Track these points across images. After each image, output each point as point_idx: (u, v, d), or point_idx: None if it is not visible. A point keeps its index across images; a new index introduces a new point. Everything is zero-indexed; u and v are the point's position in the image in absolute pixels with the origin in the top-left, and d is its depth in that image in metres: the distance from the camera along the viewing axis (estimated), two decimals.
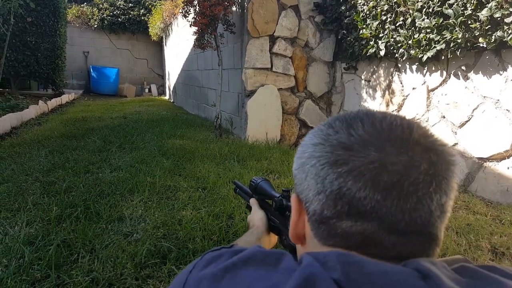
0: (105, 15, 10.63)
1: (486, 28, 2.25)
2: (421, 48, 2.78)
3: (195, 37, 4.05)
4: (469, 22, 2.36)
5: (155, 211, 2.07)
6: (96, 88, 10.50)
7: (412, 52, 2.89)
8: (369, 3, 3.33)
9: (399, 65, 3.28)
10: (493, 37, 2.23)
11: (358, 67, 3.84)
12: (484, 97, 2.50)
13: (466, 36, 2.39)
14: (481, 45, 2.34)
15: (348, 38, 3.73)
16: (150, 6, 10.59)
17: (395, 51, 3.13)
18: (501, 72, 2.37)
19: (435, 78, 2.89)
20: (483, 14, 2.23)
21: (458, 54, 2.50)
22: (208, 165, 2.97)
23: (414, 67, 3.11)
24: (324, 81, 4.23)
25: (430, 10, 2.65)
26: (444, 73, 2.80)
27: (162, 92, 11.61)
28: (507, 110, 2.35)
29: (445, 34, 2.53)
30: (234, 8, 4.03)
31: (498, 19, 2.19)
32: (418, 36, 2.79)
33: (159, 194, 2.33)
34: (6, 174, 2.60)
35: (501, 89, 2.37)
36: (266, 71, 3.94)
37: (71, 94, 8.33)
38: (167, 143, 3.77)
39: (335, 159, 0.35)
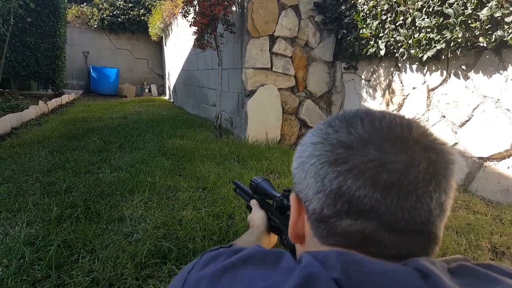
0: (105, 15, 10.63)
1: (486, 27, 2.25)
2: (421, 47, 2.78)
3: (195, 37, 4.05)
4: (469, 22, 2.36)
5: (156, 211, 2.07)
6: (96, 88, 10.50)
7: (412, 51, 2.89)
8: (369, 3, 3.33)
9: (399, 65, 3.28)
10: (493, 36, 2.23)
11: (358, 67, 3.83)
12: (484, 96, 2.50)
13: (466, 35, 2.39)
14: (481, 44, 2.34)
15: (348, 38, 3.73)
16: (150, 6, 10.58)
17: (395, 50, 3.13)
18: (501, 72, 2.37)
19: (435, 77, 2.89)
20: (483, 13, 2.23)
21: (458, 53, 2.49)
22: (208, 165, 2.97)
23: (414, 66, 3.11)
24: (324, 81, 4.23)
25: (430, 9, 2.65)
26: (444, 72, 2.80)
27: (162, 92, 11.61)
28: (507, 109, 2.35)
29: (445, 34, 2.53)
30: (234, 8, 4.03)
31: (499, 18, 2.19)
32: (418, 35, 2.79)
33: (159, 194, 2.33)
34: (6, 175, 2.60)
35: (501, 89, 2.37)
36: (266, 71, 3.94)
37: (71, 95, 8.33)
38: (167, 143, 3.77)
39: (335, 158, 0.35)
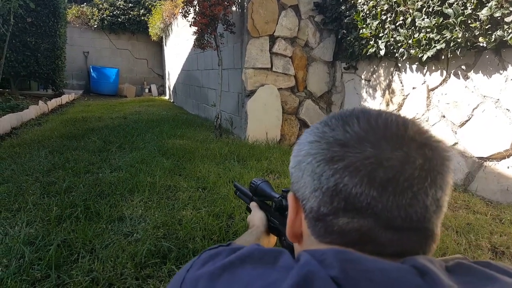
0: (105, 15, 10.63)
1: (486, 27, 2.25)
2: (421, 47, 2.78)
3: (195, 37, 4.05)
4: (469, 22, 2.36)
5: (155, 211, 2.07)
6: (96, 88, 10.50)
7: (412, 51, 2.89)
8: (369, 3, 3.33)
9: (399, 65, 3.28)
10: (493, 36, 2.23)
11: (358, 67, 3.83)
12: (484, 96, 2.50)
13: (466, 35, 2.39)
14: (481, 44, 2.34)
15: (348, 38, 3.73)
16: (150, 6, 10.58)
17: (395, 50, 3.13)
18: (501, 72, 2.37)
19: (435, 77, 2.89)
20: (483, 13, 2.23)
21: (458, 53, 2.49)
22: (208, 165, 2.97)
23: (414, 66, 3.11)
24: (324, 81, 4.23)
25: (430, 9, 2.65)
26: (444, 72, 2.80)
27: (162, 92, 11.61)
28: (507, 109, 2.35)
29: (445, 34, 2.53)
30: (234, 8, 4.03)
31: (498, 18, 2.19)
32: (418, 35, 2.79)
33: (159, 194, 2.33)
34: (6, 175, 2.60)
35: (501, 89, 2.37)
36: (266, 71, 3.94)
37: (71, 95, 8.33)
38: (167, 143, 3.77)
39: (331, 156, 0.35)
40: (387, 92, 3.45)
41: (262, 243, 0.72)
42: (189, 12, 4.04)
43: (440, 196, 0.35)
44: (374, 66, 3.59)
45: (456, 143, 2.73)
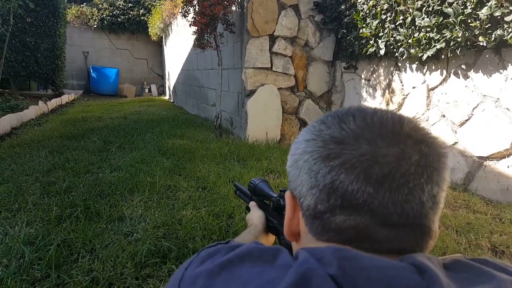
0: (104, 15, 10.63)
1: (486, 26, 2.25)
2: (421, 47, 2.78)
3: (194, 36, 4.05)
4: (469, 21, 2.36)
5: (155, 210, 2.07)
6: (96, 88, 10.50)
7: (412, 51, 2.89)
8: (369, 2, 3.33)
9: (399, 64, 3.28)
10: (493, 35, 2.23)
11: (358, 66, 3.83)
12: (484, 96, 2.49)
13: (466, 35, 2.38)
14: (481, 44, 2.34)
15: (348, 37, 3.73)
16: (149, 6, 10.58)
17: (395, 50, 3.13)
18: (501, 71, 2.37)
19: (435, 77, 2.89)
20: (483, 12, 2.23)
21: (458, 53, 2.49)
22: (208, 165, 2.97)
23: (414, 66, 3.11)
24: (324, 81, 4.23)
25: (430, 9, 2.65)
26: (444, 72, 2.80)
27: (162, 92, 11.61)
28: (507, 109, 2.35)
29: (445, 33, 2.53)
30: (233, 8, 4.03)
31: (498, 17, 2.19)
32: (418, 35, 2.79)
33: (159, 194, 2.33)
34: (6, 175, 2.60)
35: (501, 88, 2.37)
36: (266, 71, 3.94)
37: (71, 95, 8.33)
38: (167, 143, 3.77)
39: (328, 153, 0.36)
40: (387, 91, 3.45)
41: (260, 241, 0.72)
42: (189, 12, 4.04)
43: (436, 192, 0.35)
44: (374, 66, 3.59)
45: (456, 143, 2.73)
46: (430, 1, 2.64)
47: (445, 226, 2.00)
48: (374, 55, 3.44)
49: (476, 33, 2.33)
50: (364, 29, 3.44)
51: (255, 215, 0.78)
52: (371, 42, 3.38)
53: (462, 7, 2.39)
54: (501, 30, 2.18)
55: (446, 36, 2.51)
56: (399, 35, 3.01)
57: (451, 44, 2.51)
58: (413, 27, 2.86)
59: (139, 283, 1.41)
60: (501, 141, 2.38)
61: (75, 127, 4.63)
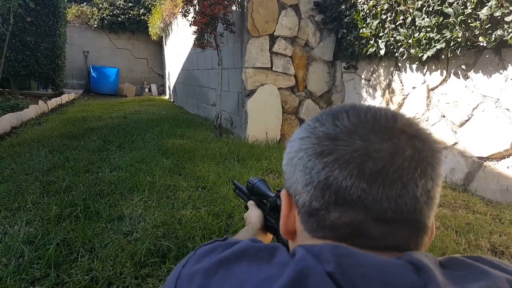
0: (105, 15, 10.63)
1: (486, 27, 2.25)
2: (421, 47, 2.78)
3: (195, 36, 4.05)
4: (469, 21, 2.36)
5: (155, 210, 2.07)
6: (96, 87, 10.50)
7: (412, 51, 2.89)
8: (369, 2, 3.33)
9: (399, 64, 3.28)
10: (493, 36, 2.23)
11: (358, 66, 3.83)
12: (484, 96, 2.49)
13: (466, 35, 2.38)
14: (481, 44, 2.34)
15: (348, 37, 3.73)
16: (150, 6, 10.58)
17: (395, 50, 3.13)
18: (501, 71, 2.37)
19: (435, 77, 2.89)
20: (483, 13, 2.23)
21: (458, 53, 2.49)
22: (208, 165, 2.97)
23: (414, 66, 3.11)
24: (324, 81, 4.23)
25: (430, 9, 2.65)
26: (444, 72, 2.80)
27: (162, 91, 11.61)
28: (507, 109, 2.35)
29: (445, 33, 2.53)
30: (234, 7, 4.02)
31: (498, 17, 2.19)
32: (418, 35, 2.79)
33: (159, 194, 2.33)
34: (6, 174, 2.60)
35: (501, 88, 2.37)
36: (266, 71, 3.93)
37: (71, 94, 8.33)
38: (167, 142, 3.77)
39: (322, 150, 0.36)
40: (387, 91, 3.45)
41: (259, 239, 0.73)
42: (189, 12, 4.04)
43: (431, 187, 0.35)
44: (374, 66, 3.59)
45: (456, 143, 2.73)
46: (430, 1, 2.64)
47: (444, 227, 2.00)
48: (374, 55, 3.43)
49: (476, 33, 2.33)
50: (364, 29, 3.43)
51: (253, 214, 0.78)
52: (371, 42, 3.38)
53: (462, 7, 2.39)
54: (501, 31, 2.18)
55: (446, 36, 2.51)
56: (399, 35, 3.01)
57: (451, 44, 2.51)
58: (413, 27, 2.86)
59: (138, 283, 1.41)
60: (501, 142, 2.38)
61: (75, 126, 4.63)
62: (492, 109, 2.44)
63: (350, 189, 0.34)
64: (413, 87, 3.13)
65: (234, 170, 2.85)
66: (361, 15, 3.46)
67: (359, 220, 0.34)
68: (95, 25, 10.65)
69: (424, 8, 2.71)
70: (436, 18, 2.59)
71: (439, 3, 2.56)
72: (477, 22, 2.29)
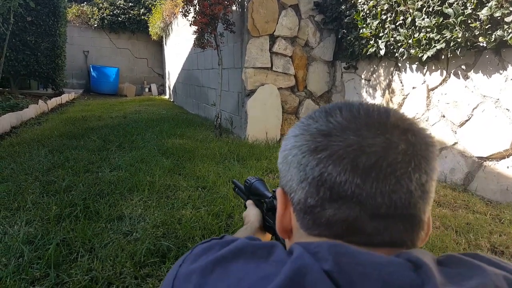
0: (105, 15, 10.63)
1: (486, 27, 2.25)
2: (421, 47, 2.78)
3: (195, 36, 4.05)
4: (469, 21, 2.36)
5: (155, 210, 2.07)
6: (96, 87, 10.50)
7: (412, 51, 2.89)
8: (369, 2, 3.33)
9: (399, 65, 3.28)
10: (493, 36, 2.23)
11: (358, 67, 3.83)
12: (484, 96, 2.49)
13: (466, 35, 2.38)
14: (481, 44, 2.34)
15: (348, 38, 3.73)
16: (150, 6, 10.58)
17: (395, 50, 3.13)
18: (501, 72, 2.37)
19: (435, 77, 2.89)
20: (483, 13, 2.22)
21: (458, 53, 2.49)
22: (208, 165, 2.97)
23: (414, 66, 3.11)
24: (324, 81, 4.23)
25: (430, 9, 2.65)
26: (444, 72, 2.80)
27: (162, 91, 11.60)
28: (507, 109, 2.35)
29: (445, 34, 2.53)
30: (234, 7, 4.02)
31: (498, 18, 2.19)
32: (418, 35, 2.79)
33: (158, 193, 2.33)
34: (5, 173, 2.60)
35: (501, 89, 2.37)
36: (266, 71, 3.93)
37: (71, 94, 8.33)
38: (167, 142, 3.77)
39: (315, 146, 0.36)
40: (387, 91, 3.45)
41: None
42: (189, 11, 4.04)
43: (425, 181, 0.35)
44: (374, 66, 3.59)
45: (455, 143, 2.73)
46: (430, 2, 2.64)
47: (444, 226, 2.00)
48: (374, 55, 3.43)
49: (476, 33, 2.33)
50: (364, 29, 3.43)
51: (252, 213, 0.78)
52: (371, 42, 3.38)
53: (462, 7, 2.39)
54: (501, 31, 2.18)
55: (446, 36, 2.51)
56: (399, 35, 3.01)
57: (451, 45, 2.51)
58: (413, 27, 2.86)
59: (138, 283, 1.41)
60: (501, 142, 2.38)
61: (75, 126, 4.63)
62: (492, 109, 2.44)
63: (344, 185, 0.34)
64: (413, 87, 3.13)
65: (234, 170, 2.85)
66: (361, 15, 3.46)
67: (354, 217, 0.34)
68: (95, 25, 10.65)
69: (424, 9, 2.71)
70: (436, 19, 2.59)
71: (439, 3, 2.56)
72: (477, 22, 2.29)
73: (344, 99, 4.06)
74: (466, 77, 2.62)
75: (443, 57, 2.71)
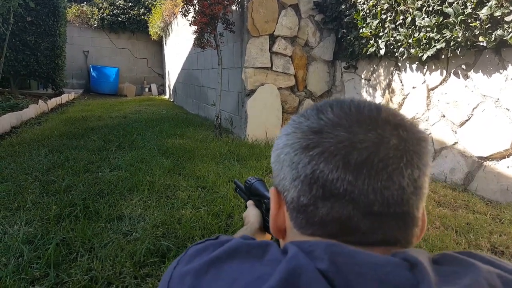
0: (105, 15, 10.63)
1: (486, 26, 2.25)
2: (421, 47, 2.78)
3: (195, 36, 4.05)
4: (469, 21, 2.36)
5: (155, 210, 2.07)
6: (96, 87, 10.50)
7: (412, 51, 2.89)
8: (369, 2, 3.32)
9: (399, 64, 3.28)
10: (493, 35, 2.22)
11: (358, 66, 3.83)
12: (484, 96, 2.49)
13: (466, 35, 2.38)
14: (481, 44, 2.34)
15: (348, 37, 3.72)
16: (150, 6, 10.58)
17: (395, 50, 3.13)
18: (501, 71, 2.37)
19: (435, 77, 2.89)
20: (483, 12, 2.22)
21: (458, 53, 2.49)
22: (207, 164, 2.97)
23: (414, 66, 3.11)
24: (324, 80, 4.22)
25: (430, 8, 2.65)
26: (444, 72, 2.79)
27: (162, 91, 11.61)
28: (507, 109, 2.34)
29: (445, 33, 2.53)
30: (234, 7, 4.02)
31: (498, 17, 2.19)
32: (418, 35, 2.79)
33: (158, 193, 2.33)
34: (5, 173, 2.60)
35: (501, 88, 2.37)
36: (266, 70, 3.93)
37: (71, 94, 8.33)
38: (167, 142, 3.77)
39: (307, 144, 0.36)
40: (387, 91, 3.45)
41: (257, 239, 0.72)
42: (189, 11, 4.04)
43: (417, 176, 0.35)
44: (374, 66, 3.59)
45: (456, 143, 2.73)
46: (430, 1, 2.64)
47: (444, 226, 2.00)
48: (374, 55, 3.43)
49: (476, 33, 2.33)
50: (364, 29, 3.43)
51: (252, 213, 0.78)
52: (371, 42, 3.38)
53: (462, 7, 2.38)
54: (501, 30, 2.18)
55: (446, 36, 2.51)
56: (399, 35, 3.01)
57: (451, 44, 2.51)
58: (413, 27, 2.86)
59: (138, 283, 1.41)
60: (501, 141, 2.38)
61: (75, 126, 4.63)
62: (492, 109, 2.44)
63: (337, 182, 0.34)
64: (413, 87, 3.13)
65: (234, 170, 2.85)
66: (361, 15, 3.46)
67: (347, 215, 0.34)
68: (95, 25, 10.64)
69: (424, 8, 2.71)
70: (436, 18, 2.59)
71: (439, 3, 2.56)
72: (477, 22, 2.29)
73: None
74: (466, 77, 2.62)
75: (443, 56, 2.71)
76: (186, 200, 2.23)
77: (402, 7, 2.94)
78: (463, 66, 2.63)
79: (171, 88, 9.58)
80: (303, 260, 0.31)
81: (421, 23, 2.73)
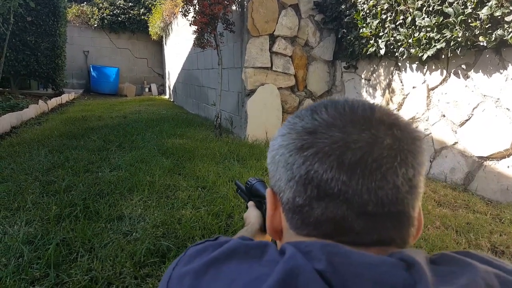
0: (105, 15, 10.63)
1: (486, 26, 2.25)
2: (421, 47, 2.78)
3: (195, 36, 4.05)
4: (469, 21, 2.35)
5: (155, 210, 2.07)
6: (96, 87, 10.50)
7: (412, 51, 2.89)
8: (369, 2, 3.32)
9: (399, 64, 3.28)
10: (493, 35, 2.22)
11: (358, 66, 3.83)
12: (484, 95, 2.49)
13: (466, 34, 2.38)
14: (481, 43, 2.34)
15: (348, 37, 3.72)
16: (150, 5, 10.58)
17: (395, 50, 3.13)
18: (501, 71, 2.37)
19: (435, 77, 2.88)
20: (483, 12, 2.22)
21: (458, 53, 2.49)
22: (208, 164, 2.97)
23: (414, 66, 3.11)
24: (324, 80, 4.22)
25: (430, 8, 2.64)
26: (444, 72, 2.79)
27: (162, 91, 11.61)
28: (507, 108, 2.34)
29: (445, 33, 2.53)
30: (234, 7, 4.02)
31: (499, 17, 2.18)
32: (418, 35, 2.79)
33: (158, 193, 2.33)
34: (5, 173, 2.60)
35: (501, 88, 2.37)
36: (266, 70, 3.93)
37: (71, 94, 8.33)
38: (167, 142, 3.77)
39: (301, 144, 0.36)
40: (387, 91, 3.45)
41: (257, 240, 0.72)
42: (189, 11, 4.04)
43: (412, 175, 0.35)
44: (374, 66, 3.59)
45: (456, 143, 2.73)
46: (430, 1, 2.64)
47: (445, 226, 2.00)
48: (374, 55, 3.43)
49: (477, 33, 2.33)
50: (364, 28, 3.43)
51: (252, 214, 0.78)
52: (371, 42, 3.38)
53: (463, 7, 2.38)
54: (501, 30, 2.18)
55: (446, 36, 2.51)
56: (399, 35, 3.01)
57: (451, 44, 2.51)
58: (413, 27, 2.86)
59: (138, 283, 1.41)
60: (501, 141, 2.38)
61: (75, 126, 4.63)
62: (492, 109, 2.43)
63: (331, 182, 0.34)
64: (413, 87, 3.13)
65: (234, 170, 2.85)
66: (361, 14, 3.45)
67: (341, 215, 0.34)
68: (95, 25, 10.64)
69: (424, 8, 2.71)
70: (436, 18, 2.59)
71: (439, 3, 2.56)
72: (477, 21, 2.28)
73: None
74: (466, 77, 2.62)
75: (443, 56, 2.71)
76: (186, 200, 2.23)
77: (402, 7, 2.94)
78: (463, 66, 2.62)
79: (171, 88, 9.58)
80: (301, 260, 0.31)
81: (421, 23, 2.73)
